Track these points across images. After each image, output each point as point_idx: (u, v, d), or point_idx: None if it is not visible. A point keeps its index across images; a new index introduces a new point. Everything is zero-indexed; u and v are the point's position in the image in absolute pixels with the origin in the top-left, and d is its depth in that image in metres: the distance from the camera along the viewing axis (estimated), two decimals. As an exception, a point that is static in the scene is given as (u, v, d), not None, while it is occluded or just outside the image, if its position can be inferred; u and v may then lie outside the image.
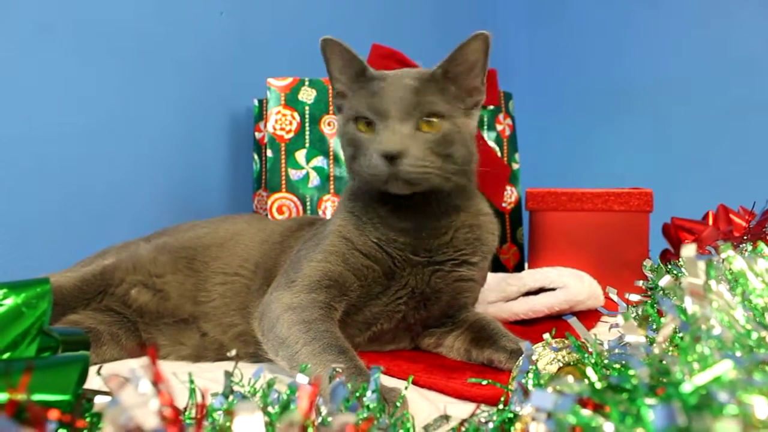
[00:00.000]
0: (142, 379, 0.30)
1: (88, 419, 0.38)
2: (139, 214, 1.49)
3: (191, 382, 0.49)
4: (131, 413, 0.29)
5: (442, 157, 0.93)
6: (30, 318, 0.44)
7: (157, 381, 0.30)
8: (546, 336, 0.67)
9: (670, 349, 0.51)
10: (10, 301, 0.44)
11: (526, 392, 0.48)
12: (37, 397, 0.36)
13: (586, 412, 0.36)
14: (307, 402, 0.31)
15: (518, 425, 0.40)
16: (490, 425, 0.47)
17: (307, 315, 0.88)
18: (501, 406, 0.51)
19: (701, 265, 0.47)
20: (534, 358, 0.59)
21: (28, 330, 0.44)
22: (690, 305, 0.45)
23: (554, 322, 1.16)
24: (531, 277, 1.25)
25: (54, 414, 0.32)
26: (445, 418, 0.50)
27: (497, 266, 1.60)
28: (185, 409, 0.44)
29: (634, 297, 0.89)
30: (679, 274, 0.92)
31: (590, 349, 0.58)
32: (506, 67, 2.11)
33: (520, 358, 0.58)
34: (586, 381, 0.43)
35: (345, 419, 0.30)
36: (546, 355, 0.67)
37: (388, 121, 0.91)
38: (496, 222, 1.09)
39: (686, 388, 0.35)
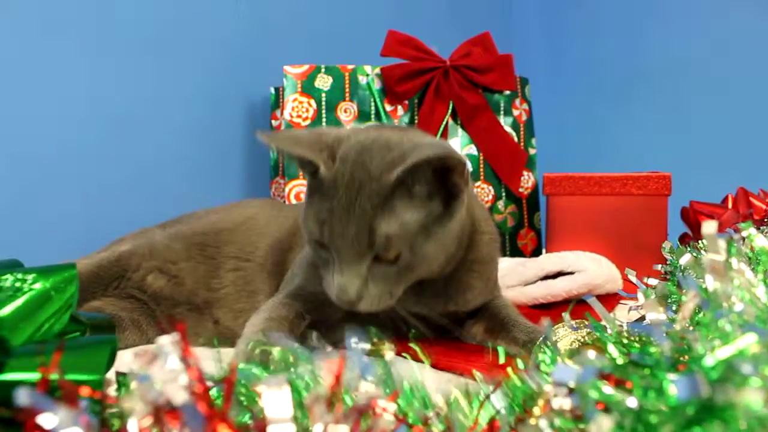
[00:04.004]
0: (171, 354, 0.31)
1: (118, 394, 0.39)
2: (158, 203, 1.50)
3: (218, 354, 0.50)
4: (161, 388, 0.30)
5: (406, 280, 0.84)
6: (59, 302, 0.45)
7: (186, 356, 0.31)
8: (564, 315, 0.67)
9: (690, 328, 0.51)
10: (38, 286, 0.45)
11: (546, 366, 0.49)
12: (70, 376, 0.37)
13: (607, 389, 0.37)
14: (334, 377, 0.31)
15: (540, 402, 0.40)
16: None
17: (274, 313, 0.88)
18: (518, 382, 0.51)
19: (722, 242, 0.47)
20: (554, 339, 0.59)
21: (56, 313, 0.45)
22: (711, 282, 0.45)
23: (573, 305, 1.16)
24: (549, 261, 1.25)
25: (86, 390, 0.33)
26: (465, 391, 0.51)
27: (515, 251, 1.60)
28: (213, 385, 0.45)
29: (653, 281, 0.89)
30: (698, 256, 0.92)
31: (609, 330, 0.58)
32: (522, 52, 2.10)
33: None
34: (607, 357, 0.44)
35: (371, 393, 0.30)
36: (566, 336, 0.67)
37: (341, 264, 0.80)
38: (492, 239, 1.00)
39: (708, 361, 0.35)
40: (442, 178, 0.81)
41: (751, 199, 1.44)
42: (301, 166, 0.84)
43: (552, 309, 1.20)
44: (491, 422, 0.43)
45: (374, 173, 0.78)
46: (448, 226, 0.83)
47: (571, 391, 0.40)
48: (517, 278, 1.24)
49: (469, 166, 0.80)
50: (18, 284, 0.44)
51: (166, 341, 0.31)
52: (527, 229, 1.64)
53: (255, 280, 1.04)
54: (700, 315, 0.52)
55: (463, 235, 0.89)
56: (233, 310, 1.03)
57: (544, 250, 1.57)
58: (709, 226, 0.48)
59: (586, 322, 0.65)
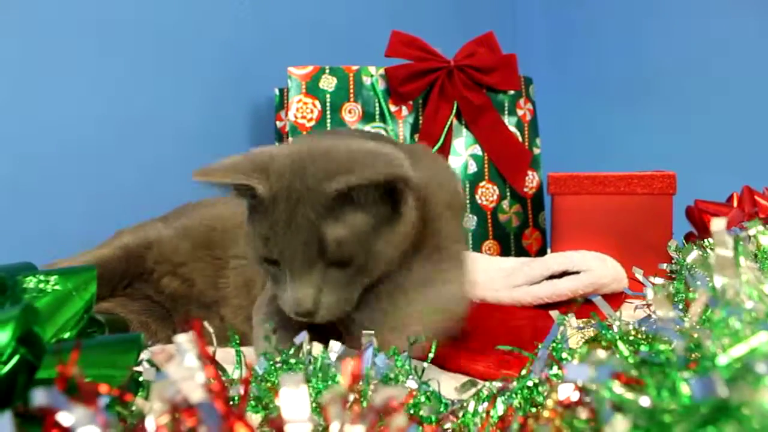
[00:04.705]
0: (188, 353, 0.31)
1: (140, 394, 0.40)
2: (161, 204, 1.50)
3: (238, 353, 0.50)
4: (178, 386, 0.30)
5: (362, 282, 0.80)
6: (80, 302, 0.46)
7: (203, 355, 0.31)
8: (569, 315, 0.67)
9: (697, 326, 0.52)
10: (60, 287, 0.46)
11: (557, 362, 0.49)
12: (99, 372, 0.38)
13: (619, 389, 0.37)
14: (351, 375, 0.31)
15: (551, 399, 0.40)
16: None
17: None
18: (523, 372, 0.52)
19: (729, 239, 0.47)
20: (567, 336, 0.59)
21: (77, 313, 0.46)
22: (719, 280, 0.45)
23: (579, 305, 1.16)
24: (554, 260, 1.25)
25: (104, 388, 0.33)
26: (472, 383, 0.51)
27: (520, 251, 1.60)
28: (231, 382, 0.45)
29: (659, 280, 0.89)
30: (705, 254, 0.92)
31: (615, 328, 0.59)
32: (526, 52, 2.11)
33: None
34: (619, 356, 0.44)
35: (389, 393, 0.30)
36: (572, 335, 0.67)
37: (293, 275, 0.77)
38: (451, 188, 0.97)
39: (722, 360, 0.35)
40: (387, 189, 0.78)
41: (757, 197, 1.44)
42: (238, 194, 0.80)
43: (557, 308, 1.20)
44: (502, 419, 0.43)
45: (313, 184, 0.75)
46: (396, 228, 0.80)
47: (581, 390, 0.41)
48: (522, 278, 1.24)
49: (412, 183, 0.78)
50: (41, 285, 0.45)
51: (183, 339, 0.31)
52: (532, 229, 1.64)
53: (252, 276, 1.04)
54: (708, 312, 0.52)
55: (400, 249, 0.83)
56: (233, 306, 1.04)
57: (549, 250, 1.57)
58: (717, 224, 0.48)
59: (593, 321, 0.65)
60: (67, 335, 0.45)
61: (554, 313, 0.62)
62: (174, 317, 1.07)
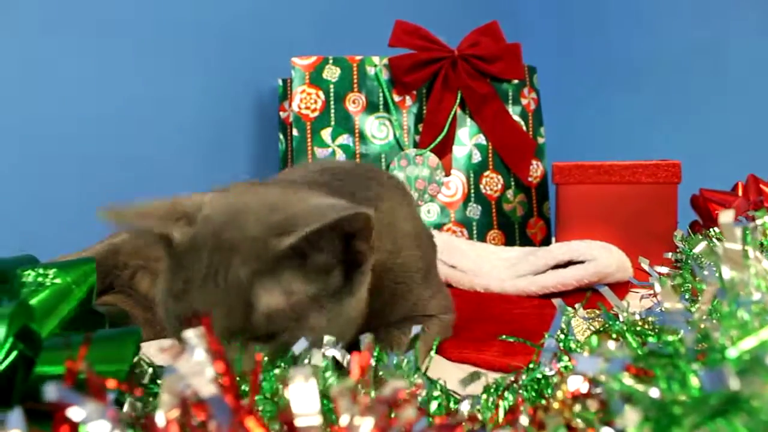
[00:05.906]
0: (198, 347, 0.31)
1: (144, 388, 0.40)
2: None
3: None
4: (188, 381, 0.30)
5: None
6: (79, 294, 0.46)
7: (212, 349, 0.31)
8: (577, 306, 0.67)
9: (704, 317, 0.52)
10: (59, 280, 0.45)
11: (565, 353, 0.49)
12: (98, 368, 0.37)
13: (629, 380, 0.37)
14: (359, 368, 0.31)
15: (561, 391, 0.40)
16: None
17: None
18: (531, 365, 0.51)
19: (738, 231, 0.47)
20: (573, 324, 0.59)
21: (78, 306, 0.46)
22: (727, 272, 0.45)
23: (584, 295, 1.15)
24: (559, 250, 1.25)
25: (112, 383, 0.33)
26: (478, 375, 0.51)
27: (524, 240, 1.60)
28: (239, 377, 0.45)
29: (664, 269, 0.88)
30: (711, 244, 0.92)
31: (622, 318, 0.59)
32: (530, 40, 2.09)
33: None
34: (629, 347, 0.44)
35: (397, 384, 0.30)
36: (578, 326, 0.67)
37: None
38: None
39: (732, 353, 0.35)
40: (346, 245, 0.65)
41: (762, 186, 1.43)
42: (155, 241, 0.67)
43: (563, 298, 1.20)
44: (512, 410, 0.43)
45: (253, 234, 0.62)
46: (346, 303, 0.66)
47: (591, 381, 0.40)
48: (527, 267, 1.24)
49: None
50: (40, 279, 0.45)
51: (193, 334, 0.31)
52: (536, 218, 1.63)
53: None
54: (715, 303, 0.52)
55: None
56: None
57: (553, 239, 1.56)
58: (725, 215, 0.48)
59: (598, 312, 0.65)
60: (68, 329, 0.45)
61: (557, 302, 0.62)
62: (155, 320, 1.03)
